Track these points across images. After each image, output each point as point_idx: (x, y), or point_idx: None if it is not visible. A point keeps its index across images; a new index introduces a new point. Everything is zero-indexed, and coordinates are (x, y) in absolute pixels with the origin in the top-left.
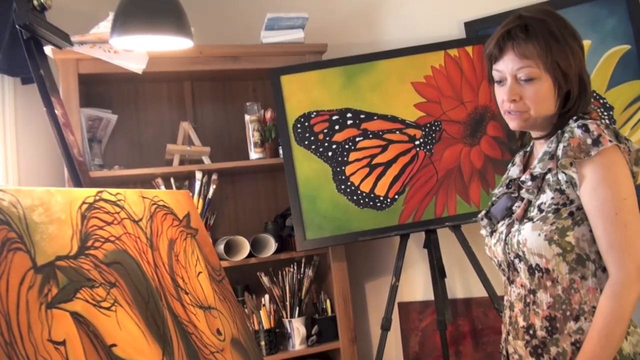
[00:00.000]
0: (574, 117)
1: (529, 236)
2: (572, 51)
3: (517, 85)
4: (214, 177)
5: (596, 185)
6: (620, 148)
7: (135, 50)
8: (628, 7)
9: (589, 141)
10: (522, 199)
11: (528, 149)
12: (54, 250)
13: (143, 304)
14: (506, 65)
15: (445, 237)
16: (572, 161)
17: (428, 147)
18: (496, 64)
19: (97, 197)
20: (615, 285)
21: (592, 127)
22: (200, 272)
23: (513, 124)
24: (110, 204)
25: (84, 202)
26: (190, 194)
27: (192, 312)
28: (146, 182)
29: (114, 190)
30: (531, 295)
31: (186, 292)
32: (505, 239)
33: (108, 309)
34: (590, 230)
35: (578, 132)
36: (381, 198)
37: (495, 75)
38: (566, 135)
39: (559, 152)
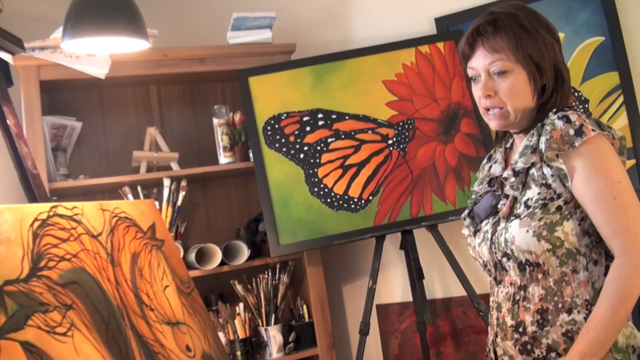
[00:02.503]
0: (554, 110)
1: (517, 233)
2: (544, 43)
3: (490, 81)
4: (183, 183)
5: (588, 175)
6: (604, 136)
7: (97, 54)
8: None
9: (572, 132)
10: (506, 197)
11: (508, 145)
12: (2, 275)
13: (103, 326)
14: (478, 62)
15: (423, 237)
16: (557, 153)
17: (401, 146)
18: (469, 62)
19: (51, 213)
20: (622, 267)
21: (573, 117)
22: (167, 286)
23: (493, 124)
24: (66, 219)
25: (36, 219)
26: (156, 203)
27: (158, 329)
28: (113, 191)
29: (70, 204)
30: (521, 292)
31: (151, 308)
32: (492, 238)
33: (64, 334)
34: (579, 224)
35: (559, 123)
36: (355, 199)
37: (470, 72)
38: (547, 127)
39: (542, 146)
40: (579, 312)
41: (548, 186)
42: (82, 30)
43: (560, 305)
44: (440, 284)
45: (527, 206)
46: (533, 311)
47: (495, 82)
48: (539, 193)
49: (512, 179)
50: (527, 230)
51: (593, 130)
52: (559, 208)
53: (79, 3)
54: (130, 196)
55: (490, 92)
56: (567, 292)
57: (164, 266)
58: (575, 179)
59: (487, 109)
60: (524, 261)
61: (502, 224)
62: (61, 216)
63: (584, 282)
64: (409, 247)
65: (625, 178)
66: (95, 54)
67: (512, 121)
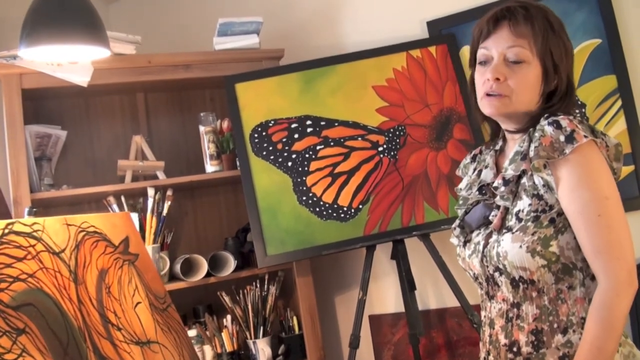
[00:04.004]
0: (545, 115)
1: (510, 249)
2: (565, 48)
3: (503, 66)
4: (169, 192)
5: (574, 187)
6: (596, 143)
7: (79, 62)
8: (598, 0)
9: (562, 138)
10: (498, 207)
11: (497, 147)
12: None
13: (61, 350)
14: (497, 43)
15: (415, 247)
16: (545, 162)
17: (392, 153)
18: (485, 42)
19: (6, 230)
20: (605, 293)
21: (564, 122)
22: (138, 303)
23: (489, 109)
24: (23, 237)
25: None
26: (133, 215)
27: (125, 350)
28: (100, 202)
29: (29, 220)
30: (515, 310)
31: (119, 328)
32: (483, 251)
33: None
34: (575, 237)
35: (549, 129)
36: (345, 208)
37: (481, 55)
38: (537, 134)
39: (531, 153)
40: (574, 331)
41: (539, 197)
42: (37, 38)
43: (555, 326)
44: (434, 294)
45: (519, 219)
46: (527, 331)
47: (509, 68)
48: (530, 204)
49: (502, 189)
50: (521, 246)
51: (585, 136)
52: (552, 221)
53: (35, 10)
54: (115, 206)
55: (500, 76)
56: (562, 310)
57: (136, 282)
58: (561, 188)
59: (488, 94)
60: (517, 278)
61: (494, 237)
62: (17, 233)
63: (580, 298)
64: (400, 257)
65: (614, 193)
66: (77, 61)
67: (508, 112)
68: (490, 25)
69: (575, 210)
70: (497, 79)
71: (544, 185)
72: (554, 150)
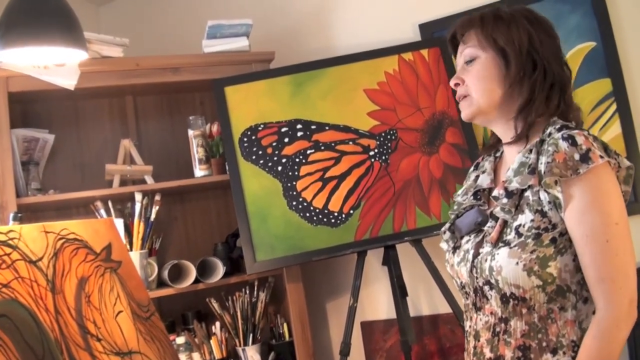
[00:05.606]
0: (558, 127)
1: (505, 264)
2: (518, 30)
3: (462, 71)
4: (157, 197)
5: (585, 209)
6: (610, 164)
7: (66, 65)
8: (592, 2)
9: (577, 157)
10: (495, 218)
11: (498, 154)
12: None
13: None
14: (459, 56)
15: (408, 252)
16: (557, 179)
17: (384, 157)
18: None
19: None
20: (604, 322)
21: (580, 139)
22: (120, 312)
23: (462, 113)
24: None
25: None
26: (117, 221)
27: None
28: (87, 206)
29: (4, 228)
30: (502, 324)
31: (98, 338)
32: (473, 261)
33: None
34: (574, 260)
35: (564, 145)
36: (335, 214)
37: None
38: (550, 148)
39: (542, 168)
40: (564, 353)
41: (543, 214)
42: (12, 40)
43: (544, 344)
44: (427, 301)
45: (519, 233)
46: (514, 347)
47: (465, 71)
48: (532, 220)
49: (505, 200)
50: (517, 263)
51: (601, 157)
52: (553, 240)
53: (9, 12)
54: (102, 211)
55: (458, 81)
56: (552, 330)
57: (118, 290)
58: (570, 208)
59: (459, 99)
60: (508, 294)
61: (487, 248)
62: None
63: (570, 321)
64: (391, 263)
65: (623, 219)
66: (64, 63)
67: (477, 111)
68: (450, 47)
69: (583, 233)
70: (457, 84)
71: (549, 202)
72: (567, 168)
